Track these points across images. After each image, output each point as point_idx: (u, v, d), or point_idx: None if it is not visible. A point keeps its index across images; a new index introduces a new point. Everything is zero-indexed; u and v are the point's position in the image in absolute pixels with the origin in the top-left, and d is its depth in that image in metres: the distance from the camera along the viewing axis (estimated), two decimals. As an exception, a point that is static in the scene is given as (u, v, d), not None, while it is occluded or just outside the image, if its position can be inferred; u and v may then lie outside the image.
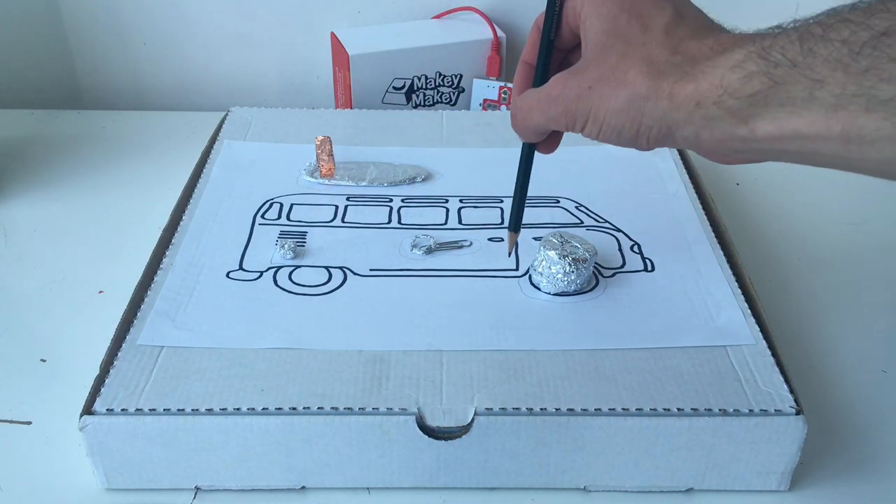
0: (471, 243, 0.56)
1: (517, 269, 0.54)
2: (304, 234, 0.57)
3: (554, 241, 0.51)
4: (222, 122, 0.71)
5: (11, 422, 0.49)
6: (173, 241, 0.56)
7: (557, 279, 0.51)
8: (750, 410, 0.43)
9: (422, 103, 0.82)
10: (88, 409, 0.43)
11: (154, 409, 0.42)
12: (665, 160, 0.66)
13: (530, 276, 0.53)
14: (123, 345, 0.47)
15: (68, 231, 0.66)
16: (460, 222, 0.59)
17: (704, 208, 0.60)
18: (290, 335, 0.48)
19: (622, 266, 0.54)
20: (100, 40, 0.86)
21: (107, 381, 0.44)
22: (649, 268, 0.54)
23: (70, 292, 0.59)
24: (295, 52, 0.88)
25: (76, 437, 0.43)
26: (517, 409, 0.43)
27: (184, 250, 0.55)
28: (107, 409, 0.42)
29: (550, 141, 0.45)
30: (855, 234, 0.67)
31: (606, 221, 0.59)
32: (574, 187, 0.63)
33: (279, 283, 0.52)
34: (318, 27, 0.86)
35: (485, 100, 0.81)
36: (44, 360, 0.53)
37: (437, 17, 0.85)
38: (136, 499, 0.44)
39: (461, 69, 0.81)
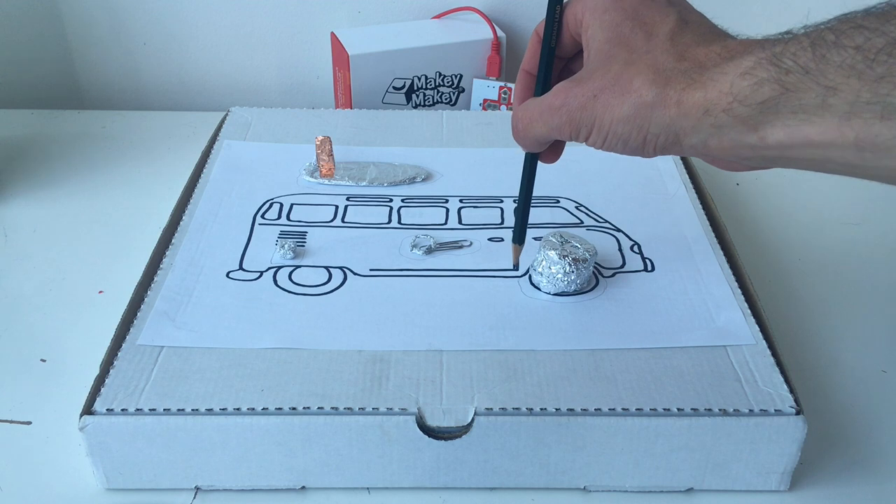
0: (471, 243, 0.56)
1: (517, 269, 0.54)
2: (304, 234, 0.57)
3: (554, 241, 0.51)
4: (222, 122, 0.71)
5: (11, 422, 0.49)
6: (173, 241, 0.56)
7: (557, 279, 0.51)
8: (750, 410, 0.43)
9: (422, 103, 0.82)
10: (88, 409, 0.43)
11: (154, 409, 0.42)
12: (665, 160, 0.66)
13: (530, 276, 0.53)
14: (123, 345, 0.47)
15: (68, 231, 0.66)
16: (460, 222, 0.59)
17: (704, 208, 0.60)
18: (290, 335, 0.48)
19: (622, 266, 0.54)
20: (100, 40, 0.86)
21: (107, 381, 0.44)
22: (649, 268, 0.54)
23: (70, 292, 0.59)
24: (295, 52, 0.88)
25: (76, 437, 0.43)
26: (517, 409, 0.43)
27: (184, 250, 0.55)
28: (107, 409, 0.42)
29: (553, 150, 0.45)
30: (855, 234, 0.67)
31: (606, 221, 0.59)
32: (574, 187, 0.63)
33: (279, 283, 0.52)
34: (318, 27, 0.86)
35: (485, 100, 0.81)
36: (44, 360, 0.53)
37: (437, 17, 0.85)
38: (136, 499, 0.44)
39: (461, 69, 0.81)
